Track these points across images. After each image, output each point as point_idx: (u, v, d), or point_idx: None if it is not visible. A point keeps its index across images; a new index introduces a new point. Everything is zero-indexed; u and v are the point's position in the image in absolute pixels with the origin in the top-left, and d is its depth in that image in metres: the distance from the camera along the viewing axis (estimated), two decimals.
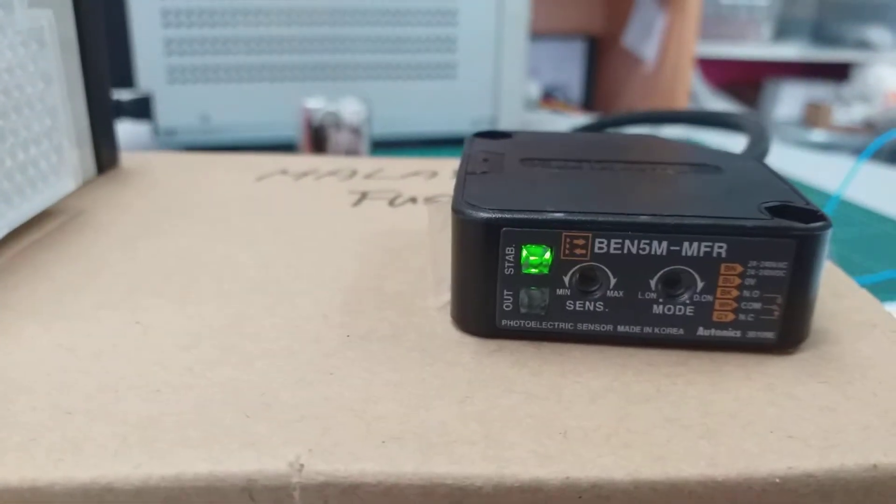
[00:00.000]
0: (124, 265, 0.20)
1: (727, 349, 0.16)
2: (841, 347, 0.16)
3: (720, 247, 0.15)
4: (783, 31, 1.40)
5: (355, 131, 0.44)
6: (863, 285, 0.39)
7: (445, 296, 0.18)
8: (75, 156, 0.24)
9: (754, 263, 0.15)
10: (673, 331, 0.16)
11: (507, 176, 0.18)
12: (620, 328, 0.16)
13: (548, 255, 0.15)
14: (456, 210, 0.16)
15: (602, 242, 0.15)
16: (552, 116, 0.82)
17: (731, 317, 0.16)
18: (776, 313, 0.16)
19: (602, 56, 1.45)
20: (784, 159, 0.63)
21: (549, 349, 0.16)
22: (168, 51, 0.60)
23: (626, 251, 0.15)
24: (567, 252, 0.15)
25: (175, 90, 0.61)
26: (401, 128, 0.64)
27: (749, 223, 0.15)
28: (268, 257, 0.21)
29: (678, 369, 0.15)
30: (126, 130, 0.49)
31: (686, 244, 0.15)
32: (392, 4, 0.63)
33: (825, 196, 0.54)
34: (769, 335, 0.16)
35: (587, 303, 0.16)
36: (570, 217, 0.15)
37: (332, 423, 0.13)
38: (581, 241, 0.15)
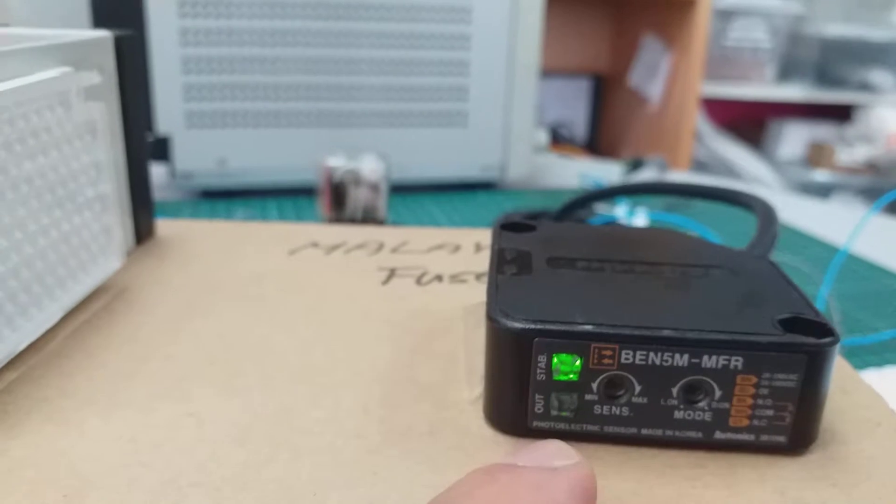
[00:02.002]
0: (171, 349, 0.21)
1: (742, 451, 0.17)
2: (847, 448, 0.18)
3: (737, 360, 0.16)
4: (787, 72, 1.42)
5: (374, 188, 0.45)
6: (868, 344, 0.40)
7: (478, 389, 0.19)
8: (121, 235, 0.25)
9: (768, 375, 0.16)
10: (692, 434, 0.17)
11: (536, 279, 0.19)
12: (644, 431, 0.17)
13: (577, 363, 0.17)
14: (491, 318, 0.17)
15: (628, 354, 0.16)
16: (561, 161, 0.84)
17: (745, 422, 0.17)
18: (787, 419, 0.17)
19: (607, 94, 1.47)
20: (788, 208, 0.64)
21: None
22: (187, 96, 0.62)
23: (650, 362, 0.16)
24: (595, 361, 0.17)
25: (193, 134, 0.62)
26: (413, 174, 0.66)
27: (763, 339, 0.16)
28: (305, 341, 0.22)
29: (697, 471, 0.17)
30: None
31: (706, 357, 0.16)
32: (406, 54, 0.64)
33: (831, 250, 0.55)
34: (781, 439, 0.17)
35: (613, 407, 0.17)
36: (598, 330, 0.16)
37: None
38: (609, 352, 0.16)
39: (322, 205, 0.47)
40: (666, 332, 0.16)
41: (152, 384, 0.20)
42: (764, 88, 1.41)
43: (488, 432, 0.18)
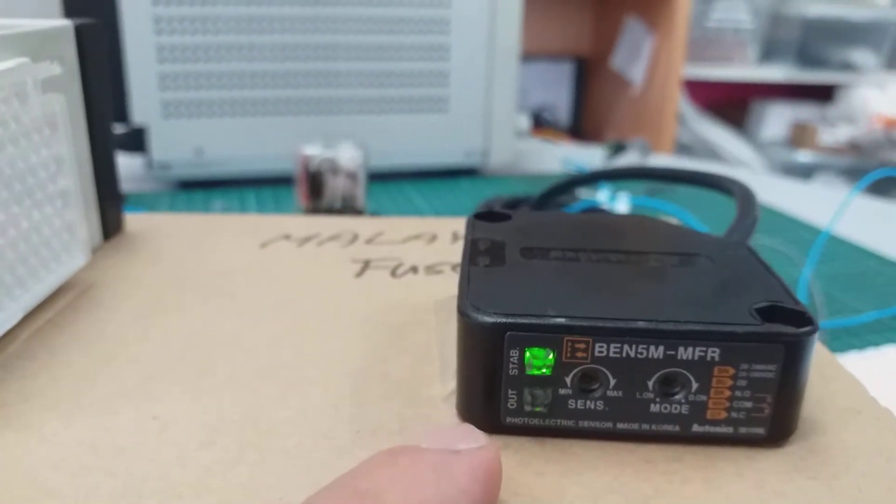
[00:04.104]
0: (137, 348, 0.21)
1: (720, 443, 0.17)
2: (827, 438, 0.17)
3: (713, 351, 0.16)
4: (769, 53, 1.42)
5: (352, 176, 0.45)
6: (850, 326, 0.40)
7: (450, 384, 0.19)
8: (85, 231, 0.24)
9: (745, 366, 0.16)
10: (669, 427, 0.17)
11: (509, 271, 0.19)
12: (619, 425, 0.17)
13: (550, 357, 0.16)
14: (462, 312, 0.17)
15: (602, 347, 0.16)
16: (543, 145, 0.83)
17: (723, 414, 0.16)
18: (766, 411, 0.16)
19: (590, 77, 1.46)
20: (771, 190, 0.64)
21: (551, 446, 0.17)
22: (163, 86, 0.61)
23: (625, 354, 0.16)
24: (569, 355, 0.16)
25: (169, 124, 0.61)
26: (394, 161, 0.65)
27: (740, 329, 0.16)
28: (276, 337, 0.21)
29: (674, 466, 0.16)
30: (120, 164, 0.50)
31: (682, 349, 0.16)
32: (385, 39, 0.63)
33: (814, 231, 0.55)
34: (760, 431, 0.17)
35: (588, 402, 0.17)
36: (571, 322, 0.16)
37: None
38: (582, 345, 0.16)
39: (299, 194, 0.46)
40: (640, 324, 0.16)
41: (117, 385, 0.19)
42: (746, 69, 1.40)
43: None
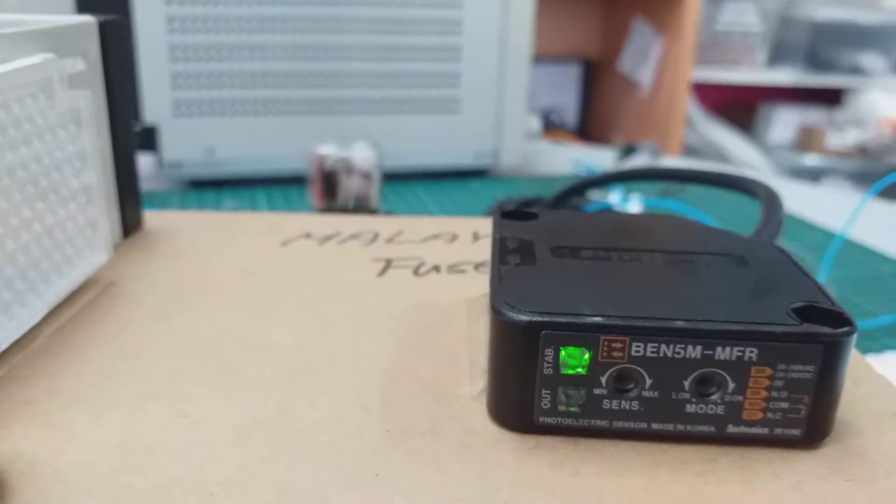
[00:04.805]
0: (162, 346, 0.21)
1: (755, 445, 0.17)
2: (863, 441, 0.17)
3: (751, 351, 0.16)
4: (777, 56, 1.41)
5: (366, 176, 0.45)
6: (866, 330, 0.39)
7: (480, 384, 0.19)
8: (108, 228, 0.24)
9: (783, 366, 0.16)
10: (704, 428, 0.16)
11: (540, 269, 0.19)
12: (654, 425, 0.17)
13: (586, 356, 0.16)
14: (496, 311, 0.17)
15: (639, 346, 0.16)
16: (553, 147, 0.83)
17: (759, 415, 0.16)
18: (803, 412, 0.16)
19: (598, 79, 1.46)
20: (780, 192, 0.64)
21: (585, 446, 0.16)
22: (174, 85, 0.61)
23: (661, 354, 0.16)
24: (605, 354, 0.16)
25: (180, 123, 0.61)
26: (405, 161, 0.65)
27: (778, 329, 0.16)
28: (302, 336, 0.21)
29: (710, 467, 0.16)
30: None
31: (719, 349, 0.16)
32: (397, 40, 0.63)
33: (824, 234, 0.55)
34: (796, 432, 0.16)
35: (623, 402, 0.16)
36: (608, 322, 0.16)
37: None
38: (618, 345, 0.16)
39: (313, 194, 0.46)
40: (678, 323, 0.16)
41: (143, 383, 0.19)
42: (754, 73, 1.40)
43: (493, 429, 0.17)
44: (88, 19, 0.25)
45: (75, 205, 0.23)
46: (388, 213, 0.48)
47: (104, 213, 0.24)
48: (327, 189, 0.45)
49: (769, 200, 0.26)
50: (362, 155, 0.45)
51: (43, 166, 0.21)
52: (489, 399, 0.17)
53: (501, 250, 0.20)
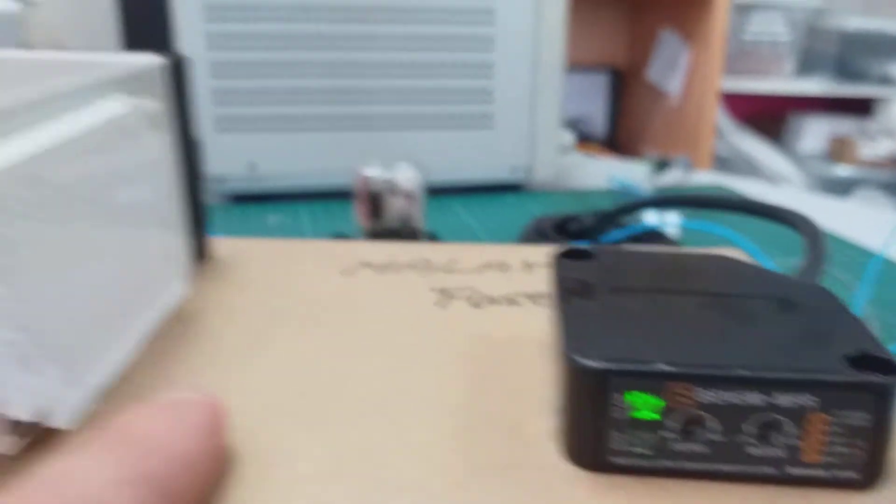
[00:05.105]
0: (248, 381, 0.22)
1: (815, 485, 0.18)
2: None
3: (810, 399, 0.17)
4: (806, 66, 1.41)
5: (410, 196, 0.46)
6: None
7: (550, 421, 0.20)
8: (187, 260, 0.26)
9: (839, 412, 0.17)
10: (766, 469, 0.18)
11: (603, 312, 0.20)
12: (718, 466, 0.18)
13: (654, 401, 0.17)
14: (567, 356, 0.18)
15: (704, 393, 0.17)
16: (585, 160, 0.84)
17: (818, 458, 0.17)
18: (859, 455, 0.17)
19: (626, 89, 1.47)
20: (813, 209, 0.64)
21: (655, 486, 0.18)
22: (216, 101, 0.62)
23: (725, 401, 0.17)
24: (672, 400, 0.17)
25: (223, 139, 0.63)
26: (439, 176, 0.66)
27: (834, 378, 0.17)
28: (374, 370, 0.22)
29: None
30: None
31: (780, 396, 0.17)
32: (431, 57, 0.65)
33: (863, 253, 0.55)
34: (853, 474, 0.17)
35: (689, 444, 0.17)
36: (676, 370, 0.17)
37: None
38: (685, 391, 0.17)
39: (359, 214, 0.48)
40: (742, 373, 0.17)
41: (234, 418, 0.20)
42: (783, 82, 1.40)
43: (567, 468, 0.18)
44: (161, 60, 0.27)
45: (159, 239, 0.24)
46: (432, 231, 0.49)
47: (183, 246, 0.26)
48: (373, 209, 0.46)
49: (811, 235, 0.27)
50: (406, 176, 0.46)
51: (132, 205, 0.22)
52: (562, 438, 0.19)
53: (563, 291, 0.21)
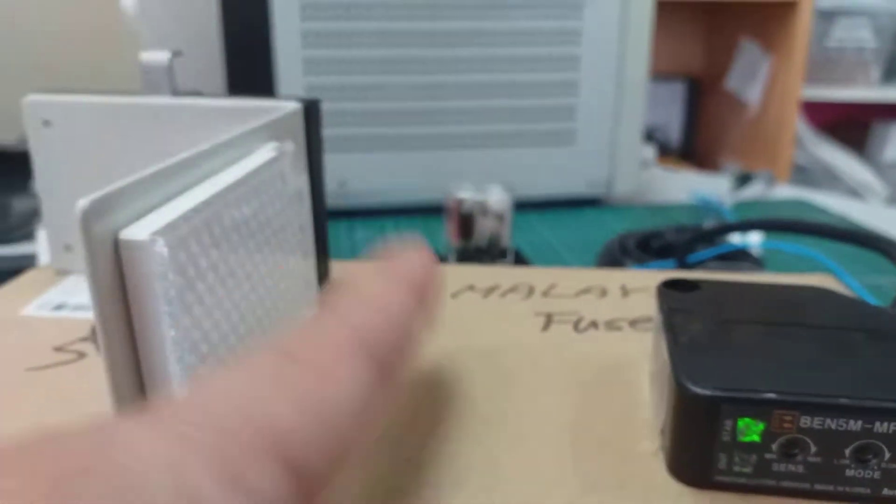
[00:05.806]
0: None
1: None
2: None
3: None
4: (893, 72, 1.38)
5: (499, 217, 0.48)
6: None
7: (657, 442, 0.22)
8: (316, 285, 0.29)
9: None
10: (861, 490, 0.19)
11: (711, 342, 0.22)
12: (817, 486, 0.19)
13: (760, 426, 0.19)
14: (679, 384, 0.20)
15: (807, 419, 0.19)
16: (665, 174, 0.85)
17: None
18: None
19: (703, 98, 1.46)
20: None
21: (756, 502, 0.19)
22: None
23: (826, 426, 0.19)
24: (777, 425, 0.19)
25: None
26: (519, 191, 0.68)
27: None
28: (489, 390, 0.25)
29: None
30: None
31: (878, 423, 0.19)
32: (517, 77, 0.67)
33: None
34: None
35: (790, 465, 0.19)
36: (782, 398, 0.19)
37: None
38: (789, 418, 0.19)
39: (450, 233, 0.50)
40: (843, 401, 0.19)
41: (382, 432, 0.23)
42: (869, 90, 1.37)
43: (674, 485, 0.20)
44: (297, 105, 0.30)
45: (301, 266, 0.27)
46: (519, 250, 0.52)
47: (315, 273, 0.29)
48: (464, 230, 0.48)
49: None
50: (496, 198, 0.48)
51: (280, 239, 0.25)
52: (670, 458, 0.21)
53: (670, 322, 0.23)
